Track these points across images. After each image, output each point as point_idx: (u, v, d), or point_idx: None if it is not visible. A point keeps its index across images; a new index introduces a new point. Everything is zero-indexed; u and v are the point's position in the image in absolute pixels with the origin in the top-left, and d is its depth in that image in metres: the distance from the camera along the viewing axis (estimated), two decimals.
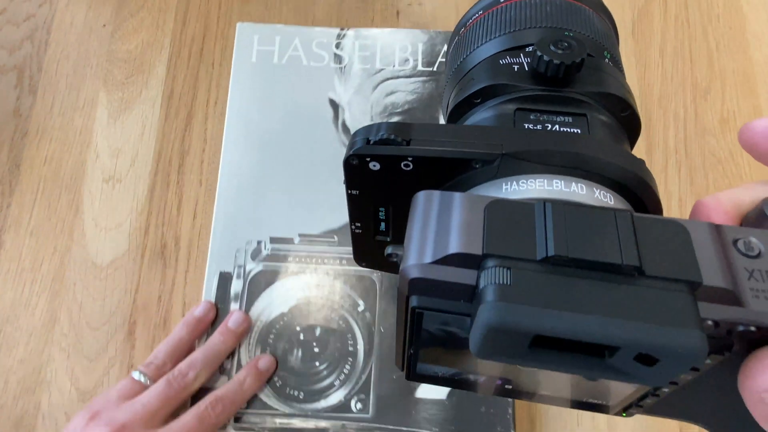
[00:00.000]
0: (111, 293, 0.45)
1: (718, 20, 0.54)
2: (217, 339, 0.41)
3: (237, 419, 0.40)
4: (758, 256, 0.17)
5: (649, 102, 0.51)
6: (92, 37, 0.53)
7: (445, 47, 0.49)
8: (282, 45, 0.49)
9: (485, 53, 0.28)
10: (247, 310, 0.42)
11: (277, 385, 0.41)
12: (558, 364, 0.17)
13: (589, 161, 0.21)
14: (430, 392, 0.41)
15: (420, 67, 0.48)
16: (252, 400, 0.41)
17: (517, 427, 0.40)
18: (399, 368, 0.23)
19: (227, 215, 0.45)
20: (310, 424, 0.40)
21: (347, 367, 0.41)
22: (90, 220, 0.47)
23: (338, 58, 0.49)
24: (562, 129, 0.24)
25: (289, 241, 0.44)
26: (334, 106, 0.48)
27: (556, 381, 0.22)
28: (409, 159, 0.22)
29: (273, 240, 0.44)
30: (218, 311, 0.42)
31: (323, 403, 0.41)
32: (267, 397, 0.41)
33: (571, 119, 0.24)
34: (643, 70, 0.52)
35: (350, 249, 0.42)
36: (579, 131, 0.24)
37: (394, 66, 0.48)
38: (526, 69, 0.26)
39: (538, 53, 0.24)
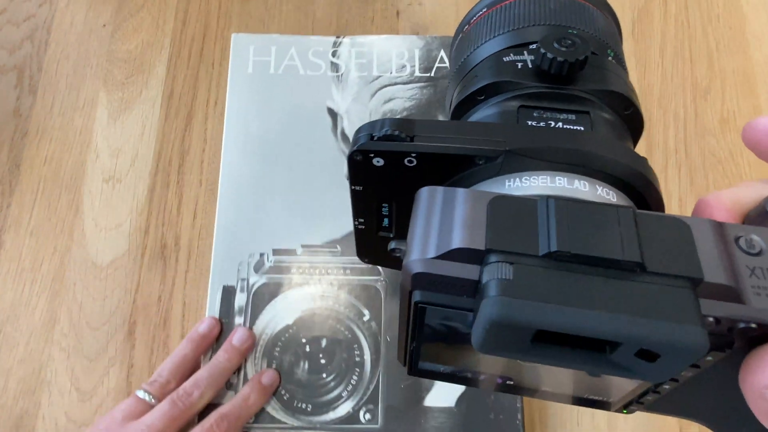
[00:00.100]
0: (111, 293, 0.45)
1: (718, 20, 0.54)
2: (222, 357, 0.40)
3: None
4: (760, 253, 0.17)
5: (649, 102, 0.51)
6: (92, 37, 0.53)
7: (442, 52, 0.49)
8: (278, 55, 0.49)
9: (489, 50, 0.28)
10: (251, 324, 0.42)
11: (285, 398, 0.41)
12: (559, 360, 0.17)
13: (593, 158, 0.21)
14: (438, 400, 0.41)
15: (417, 73, 0.48)
16: (260, 414, 0.40)
17: None
18: (401, 363, 0.23)
19: (228, 228, 0.44)
20: None
21: (354, 377, 0.41)
22: (90, 220, 0.47)
23: (335, 67, 0.49)
24: (565, 126, 0.24)
25: (292, 252, 0.44)
26: (333, 114, 0.47)
27: (557, 377, 0.22)
28: (413, 155, 0.22)
29: (276, 252, 0.44)
30: (223, 326, 0.42)
31: (331, 415, 0.40)
32: (275, 410, 0.41)
33: (574, 117, 0.24)
34: (643, 70, 0.52)
35: (354, 258, 0.43)
36: (582, 129, 0.24)
37: (391, 73, 0.48)
38: (530, 66, 0.26)
39: (542, 51, 0.24)
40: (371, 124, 0.23)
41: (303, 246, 0.44)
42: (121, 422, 0.37)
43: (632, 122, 0.26)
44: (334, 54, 0.49)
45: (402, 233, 0.27)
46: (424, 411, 0.40)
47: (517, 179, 0.22)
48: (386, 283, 0.43)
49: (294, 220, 0.45)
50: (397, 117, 0.46)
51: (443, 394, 0.41)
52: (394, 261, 0.29)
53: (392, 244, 0.22)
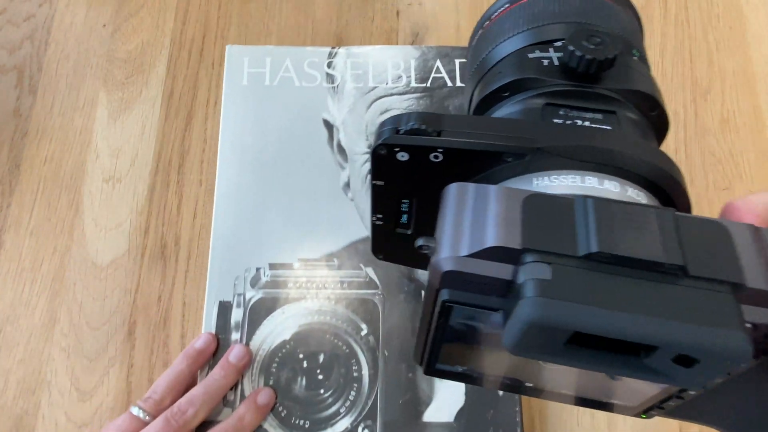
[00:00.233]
0: (111, 293, 0.45)
1: (718, 20, 0.54)
2: (218, 374, 0.40)
3: None
4: None
5: None
6: (92, 37, 0.53)
7: (438, 62, 0.48)
8: (273, 66, 0.48)
9: (512, 47, 0.27)
10: (248, 339, 0.42)
11: (282, 415, 0.40)
12: (593, 363, 0.17)
13: (622, 158, 0.21)
14: (437, 416, 0.40)
15: (413, 84, 0.48)
16: None
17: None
18: (417, 362, 0.22)
19: (224, 242, 0.44)
20: None
21: (353, 393, 0.41)
22: (90, 220, 0.47)
23: (330, 78, 0.48)
24: (592, 125, 0.23)
25: (289, 266, 0.43)
26: (329, 126, 0.47)
27: (575, 379, 0.21)
28: (439, 150, 0.22)
29: (272, 266, 0.43)
30: (219, 341, 0.42)
31: None
32: (272, 427, 0.40)
33: (601, 116, 0.24)
34: None
35: (351, 272, 0.43)
36: (610, 128, 0.23)
37: (387, 83, 0.48)
38: (556, 64, 0.25)
39: (570, 48, 0.24)
40: (396, 118, 0.22)
41: (300, 260, 0.44)
42: None
43: (657, 123, 0.26)
44: (329, 65, 0.49)
45: (422, 230, 0.26)
46: (423, 426, 0.40)
47: (545, 178, 0.21)
48: (384, 296, 0.43)
49: (290, 234, 0.44)
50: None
51: (442, 409, 0.40)
52: (408, 258, 0.29)
53: (420, 241, 0.21)
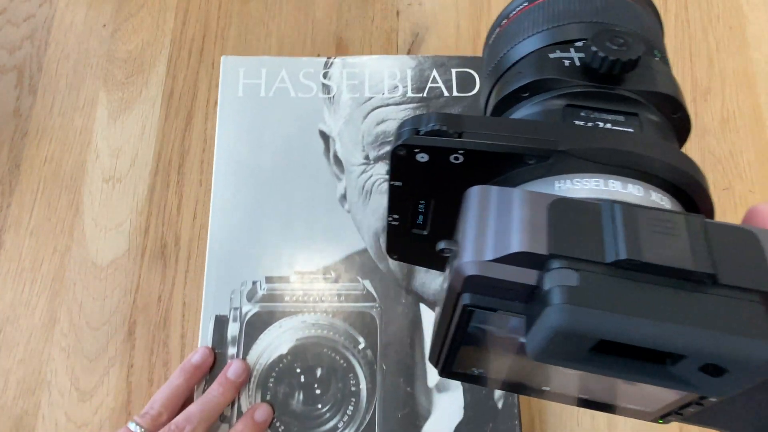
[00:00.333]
0: (111, 293, 0.45)
1: (718, 20, 0.54)
2: (216, 391, 0.40)
3: None
4: None
5: None
6: (92, 37, 0.53)
7: (435, 72, 0.48)
8: (268, 77, 0.48)
9: (532, 46, 0.27)
10: (245, 354, 0.41)
11: (280, 430, 0.40)
12: (618, 371, 0.16)
13: (646, 162, 0.21)
14: (436, 430, 0.40)
15: (410, 94, 0.47)
16: None
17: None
18: (433, 364, 0.22)
19: (221, 256, 0.44)
20: None
21: (350, 408, 0.41)
22: (90, 220, 0.47)
23: (326, 88, 0.48)
24: (614, 128, 0.23)
25: (285, 279, 0.43)
26: (325, 137, 0.47)
27: (592, 385, 0.21)
28: (460, 152, 0.22)
29: (268, 279, 0.43)
30: (216, 356, 0.41)
31: None
32: None
33: (623, 118, 0.24)
34: None
35: (349, 285, 0.43)
36: (632, 131, 0.23)
37: (383, 93, 0.47)
38: (578, 64, 0.25)
39: (593, 48, 0.23)
40: (416, 119, 0.22)
41: (296, 273, 0.43)
42: None
43: (679, 125, 0.25)
44: (325, 75, 0.48)
45: (438, 231, 0.26)
46: None
47: (568, 181, 0.21)
48: (381, 309, 0.42)
49: (287, 247, 0.44)
50: (390, 140, 0.46)
51: (441, 424, 0.40)
52: (423, 259, 0.29)
53: (441, 244, 0.21)
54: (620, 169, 0.21)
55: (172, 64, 0.52)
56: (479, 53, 0.52)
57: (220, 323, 0.42)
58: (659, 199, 0.21)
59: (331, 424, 0.40)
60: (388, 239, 0.28)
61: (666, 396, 0.20)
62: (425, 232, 0.27)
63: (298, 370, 0.41)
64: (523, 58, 0.27)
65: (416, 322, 0.42)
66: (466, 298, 0.18)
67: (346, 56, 0.49)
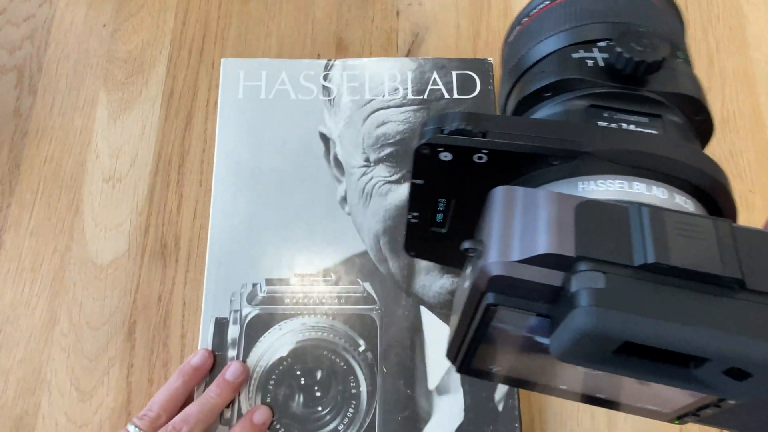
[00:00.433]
0: (111, 293, 0.45)
1: (718, 20, 0.54)
2: (213, 392, 0.40)
3: None
4: None
5: None
6: (92, 37, 0.53)
7: (435, 74, 0.48)
8: (269, 79, 0.48)
9: (554, 45, 0.27)
10: (245, 356, 0.41)
11: None
12: (641, 372, 0.17)
13: (671, 164, 0.21)
14: (436, 431, 0.40)
15: (410, 96, 0.47)
16: None
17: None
18: (451, 360, 0.23)
19: (221, 258, 0.44)
20: None
21: (351, 410, 0.41)
22: (90, 220, 0.47)
23: (327, 90, 0.48)
24: (638, 129, 0.23)
25: (285, 282, 0.43)
26: (325, 139, 0.47)
27: (611, 385, 0.21)
28: (484, 151, 0.22)
29: (268, 282, 0.43)
30: (216, 358, 0.41)
31: None
32: None
33: (646, 119, 0.23)
34: None
35: (349, 287, 0.43)
36: (656, 132, 0.23)
37: (383, 96, 0.47)
38: (601, 65, 0.25)
39: (618, 49, 0.23)
40: (440, 118, 0.22)
41: (296, 275, 0.43)
42: None
43: (702, 127, 0.25)
44: (325, 77, 0.48)
45: (458, 230, 0.26)
46: None
47: (592, 182, 0.21)
48: (382, 312, 0.42)
49: (287, 249, 0.44)
50: (390, 141, 0.46)
51: (442, 426, 0.40)
52: (441, 256, 0.29)
53: (465, 244, 0.21)
54: (645, 171, 0.21)
55: (172, 64, 0.52)
56: (479, 53, 0.52)
57: (220, 325, 0.42)
58: (683, 201, 0.21)
59: (332, 426, 0.40)
60: (406, 236, 0.28)
61: (684, 398, 0.20)
62: (444, 231, 0.27)
63: (298, 373, 0.41)
64: (545, 57, 0.27)
65: (416, 325, 0.42)
66: (489, 298, 0.18)
67: (346, 58, 0.49)
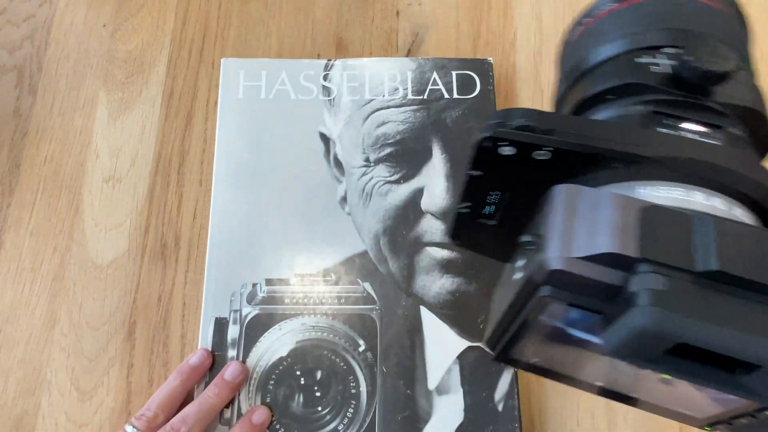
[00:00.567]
0: (111, 293, 0.45)
1: None
2: (211, 392, 0.40)
3: None
4: None
5: None
6: (92, 37, 0.53)
7: (435, 74, 0.48)
8: (269, 79, 0.48)
9: (618, 48, 0.27)
10: (244, 356, 0.41)
11: None
12: (689, 374, 0.17)
13: (731, 176, 0.21)
14: (435, 431, 0.40)
15: (410, 96, 0.47)
16: None
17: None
18: (489, 348, 0.23)
19: (220, 258, 0.44)
20: None
21: (350, 410, 0.41)
22: (90, 220, 0.47)
23: (327, 90, 0.48)
24: (700, 139, 0.23)
25: (285, 282, 0.43)
26: (325, 139, 0.47)
27: (650, 387, 0.22)
28: (549, 149, 0.22)
29: (268, 282, 0.43)
30: (216, 358, 0.41)
31: None
32: None
33: (708, 130, 0.23)
34: None
35: (349, 287, 0.43)
36: (718, 144, 0.23)
37: (383, 96, 0.47)
38: (668, 72, 0.25)
39: (686, 58, 0.23)
40: (503, 113, 0.23)
41: (296, 275, 0.43)
42: None
43: (762, 141, 0.25)
44: (325, 77, 0.48)
45: (507, 224, 0.27)
46: None
47: (649, 187, 0.21)
48: (382, 312, 0.42)
49: (287, 249, 0.44)
50: (390, 141, 0.46)
51: (442, 426, 0.40)
52: (485, 247, 0.30)
53: (524, 238, 0.22)
54: (704, 180, 0.21)
55: (172, 64, 0.52)
56: (479, 54, 0.52)
57: (220, 325, 0.42)
58: (741, 214, 0.21)
59: (331, 426, 0.40)
60: (453, 225, 0.29)
61: (719, 405, 0.20)
62: (493, 222, 0.27)
63: (298, 373, 0.41)
64: (609, 59, 0.27)
65: (416, 325, 0.42)
66: (545, 291, 0.18)
67: (346, 58, 0.49)
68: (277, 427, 0.40)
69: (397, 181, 0.45)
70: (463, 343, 0.42)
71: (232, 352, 0.42)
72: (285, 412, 0.41)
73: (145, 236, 0.47)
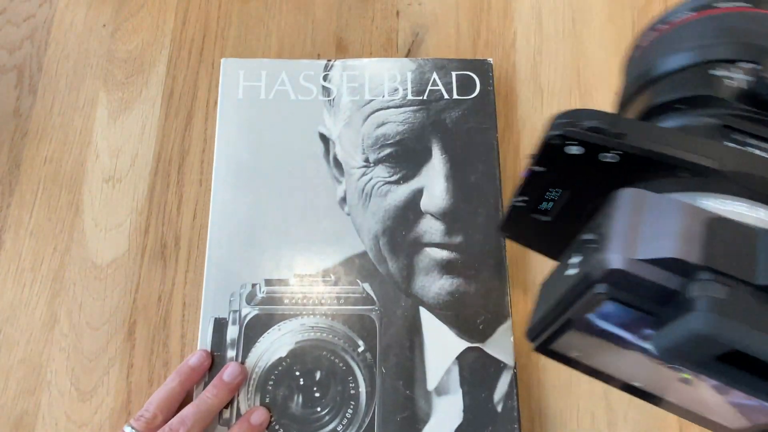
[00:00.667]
0: (111, 293, 0.45)
1: None
2: (210, 393, 0.40)
3: None
4: None
5: None
6: (92, 37, 0.53)
7: (435, 75, 0.48)
8: (268, 79, 0.48)
9: (693, 59, 0.27)
10: (244, 357, 0.41)
11: None
12: (736, 382, 0.17)
13: None
14: None
15: (410, 96, 0.47)
16: None
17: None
18: (529, 339, 0.24)
19: (220, 258, 0.44)
20: None
21: (350, 411, 0.41)
22: (90, 220, 0.47)
23: (326, 91, 0.48)
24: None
25: (285, 282, 0.43)
26: (325, 140, 0.47)
27: (686, 392, 0.22)
28: (618, 152, 0.22)
29: (268, 282, 0.43)
30: (215, 359, 0.41)
31: None
32: None
33: None
34: None
35: (348, 288, 0.43)
36: None
37: (383, 96, 0.47)
38: (743, 87, 0.25)
39: (763, 74, 0.23)
40: (573, 113, 0.23)
41: (296, 275, 0.43)
42: None
43: None
44: (325, 78, 0.48)
45: (562, 221, 0.27)
46: None
47: (712, 199, 0.21)
48: (381, 312, 0.42)
49: (286, 249, 0.44)
50: (390, 142, 0.46)
51: (441, 427, 0.40)
52: (534, 242, 0.30)
53: (587, 236, 0.22)
54: None
55: (172, 64, 0.52)
56: (479, 54, 0.52)
57: (220, 326, 0.42)
58: None
59: (331, 427, 0.40)
60: (506, 218, 0.29)
61: (756, 419, 0.21)
62: (547, 219, 0.28)
63: (297, 373, 0.41)
64: (682, 69, 0.27)
65: (416, 325, 0.42)
66: (601, 288, 0.19)
67: (346, 58, 0.49)
68: (276, 427, 0.40)
69: (396, 182, 0.45)
70: (462, 344, 0.42)
71: (231, 353, 0.42)
72: (284, 412, 0.41)
73: (145, 236, 0.47)
